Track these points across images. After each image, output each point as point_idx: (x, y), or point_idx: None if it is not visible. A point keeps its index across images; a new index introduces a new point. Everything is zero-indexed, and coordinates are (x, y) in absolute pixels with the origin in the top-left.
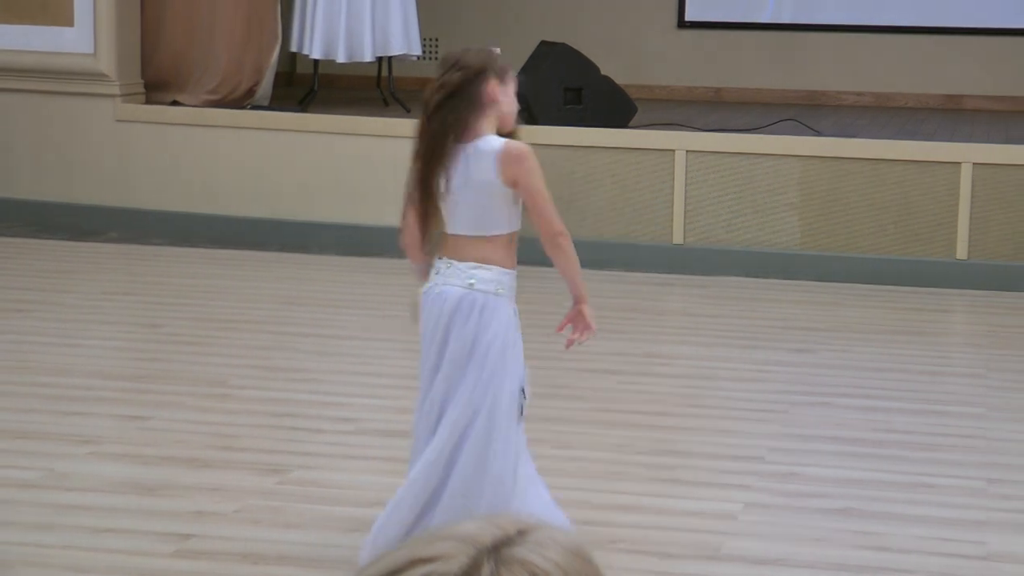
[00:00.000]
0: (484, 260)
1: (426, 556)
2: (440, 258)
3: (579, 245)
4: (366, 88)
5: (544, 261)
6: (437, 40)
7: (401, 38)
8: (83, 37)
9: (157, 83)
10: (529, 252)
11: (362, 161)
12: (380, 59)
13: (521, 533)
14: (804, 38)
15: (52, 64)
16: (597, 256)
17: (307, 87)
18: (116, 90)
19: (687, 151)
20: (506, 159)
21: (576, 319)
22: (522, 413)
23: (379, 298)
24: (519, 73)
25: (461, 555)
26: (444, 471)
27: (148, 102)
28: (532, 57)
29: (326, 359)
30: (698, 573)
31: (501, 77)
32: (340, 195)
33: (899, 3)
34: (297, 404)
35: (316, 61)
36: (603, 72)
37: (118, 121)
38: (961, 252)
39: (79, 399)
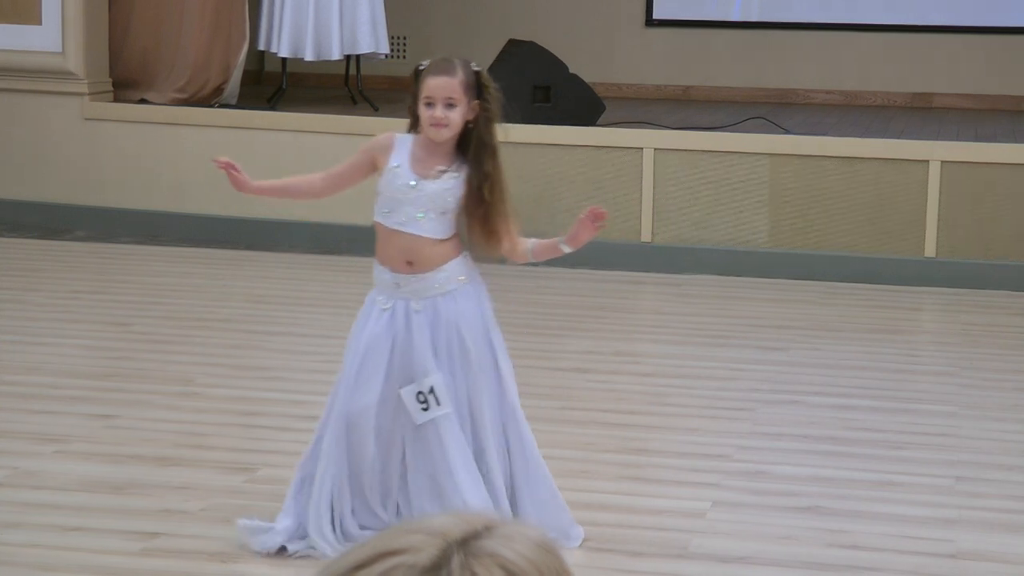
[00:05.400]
0: None
1: (395, 549)
2: None
3: None
4: (334, 86)
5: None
6: (405, 39)
7: (369, 36)
8: (51, 35)
9: (125, 81)
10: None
11: (331, 159)
12: (348, 57)
13: (488, 528)
14: (773, 36)
15: (20, 62)
16: (566, 254)
17: (275, 85)
18: (84, 88)
19: (655, 149)
20: None
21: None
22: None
23: (347, 296)
24: (487, 72)
25: (430, 547)
26: None
27: (116, 100)
28: (500, 55)
29: (294, 357)
30: (666, 571)
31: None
32: None
33: (868, 1)
34: (265, 402)
35: (284, 59)
36: (571, 70)
37: (86, 119)
38: (930, 250)
39: (46, 397)
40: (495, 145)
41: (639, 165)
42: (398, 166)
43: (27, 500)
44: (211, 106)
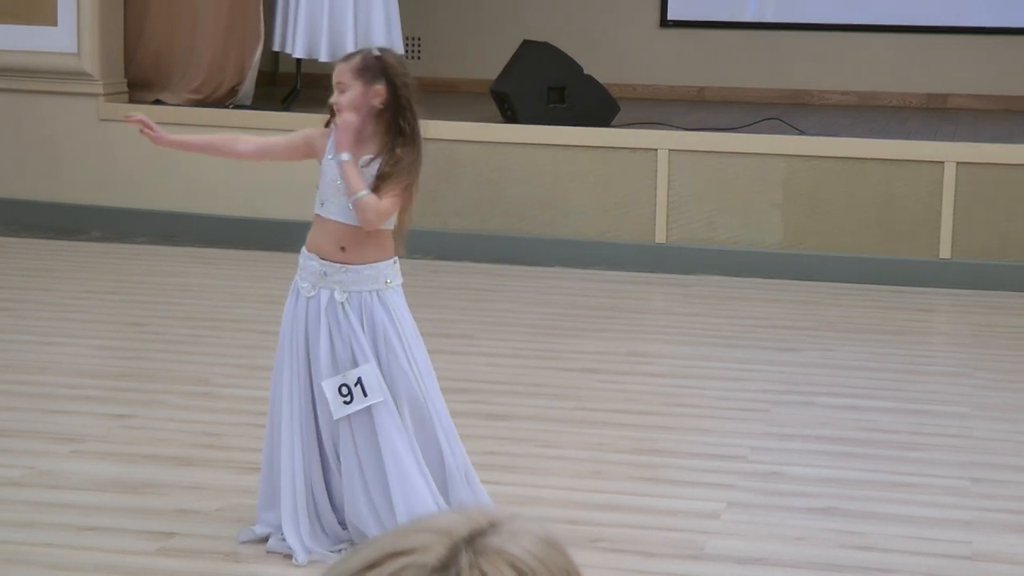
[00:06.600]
0: None
1: (403, 549)
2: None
3: (561, 244)
4: None
5: (529, 260)
6: (419, 39)
7: (383, 37)
8: (66, 36)
9: (140, 82)
10: (507, 251)
11: None
12: None
13: (493, 525)
14: (787, 37)
15: (35, 63)
16: (579, 254)
17: (290, 86)
18: (99, 89)
19: (669, 150)
20: None
21: None
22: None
23: None
24: (502, 73)
25: (438, 546)
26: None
27: (131, 101)
28: (515, 56)
29: None
30: (680, 572)
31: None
32: None
33: (882, 1)
34: None
35: (299, 60)
36: (586, 71)
37: (101, 120)
38: (944, 251)
39: (62, 397)
40: (406, 130)
41: (653, 166)
42: (331, 158)
43: (42, 500)
44: (226, 107)
